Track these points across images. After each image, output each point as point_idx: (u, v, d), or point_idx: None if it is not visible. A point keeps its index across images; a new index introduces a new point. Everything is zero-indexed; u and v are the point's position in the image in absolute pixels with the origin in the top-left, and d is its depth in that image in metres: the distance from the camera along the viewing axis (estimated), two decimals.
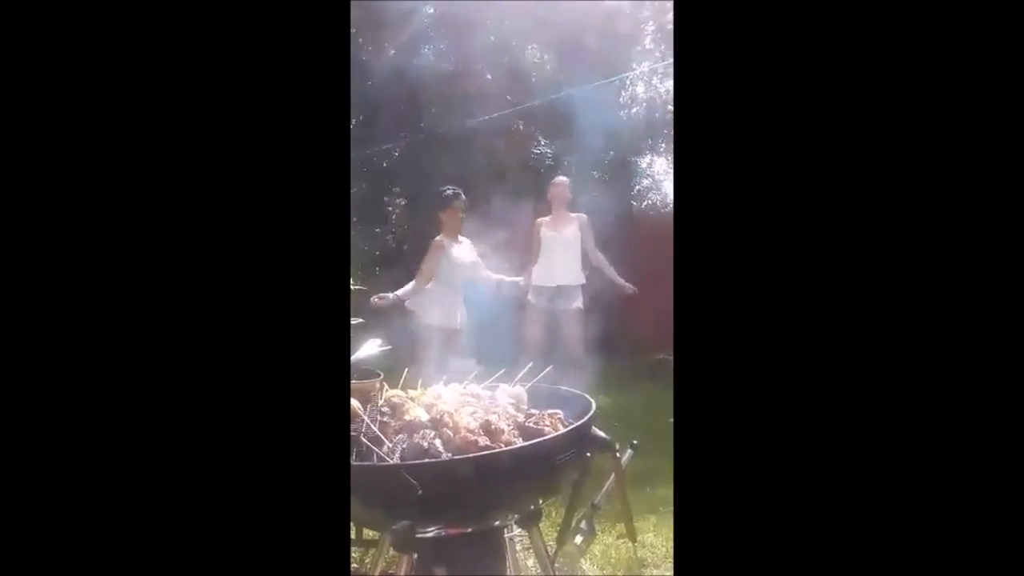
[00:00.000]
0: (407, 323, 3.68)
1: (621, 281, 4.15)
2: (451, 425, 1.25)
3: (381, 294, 3.60)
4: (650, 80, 9.37)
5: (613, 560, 2.35)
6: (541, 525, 1.40)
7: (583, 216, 4.24)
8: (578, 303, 4.12)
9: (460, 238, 3.85)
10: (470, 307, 3.85)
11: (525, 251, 4.32)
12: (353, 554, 2.29)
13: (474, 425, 1.26)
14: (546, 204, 4.32)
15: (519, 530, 1.57)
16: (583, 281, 4.16)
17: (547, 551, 1.43)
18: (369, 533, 2.22)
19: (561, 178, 4.39)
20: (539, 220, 4.29)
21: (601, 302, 4.36)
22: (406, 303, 3.71)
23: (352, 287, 1.31)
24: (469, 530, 1.25)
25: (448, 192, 3.82)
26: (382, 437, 1.23)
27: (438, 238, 3.79)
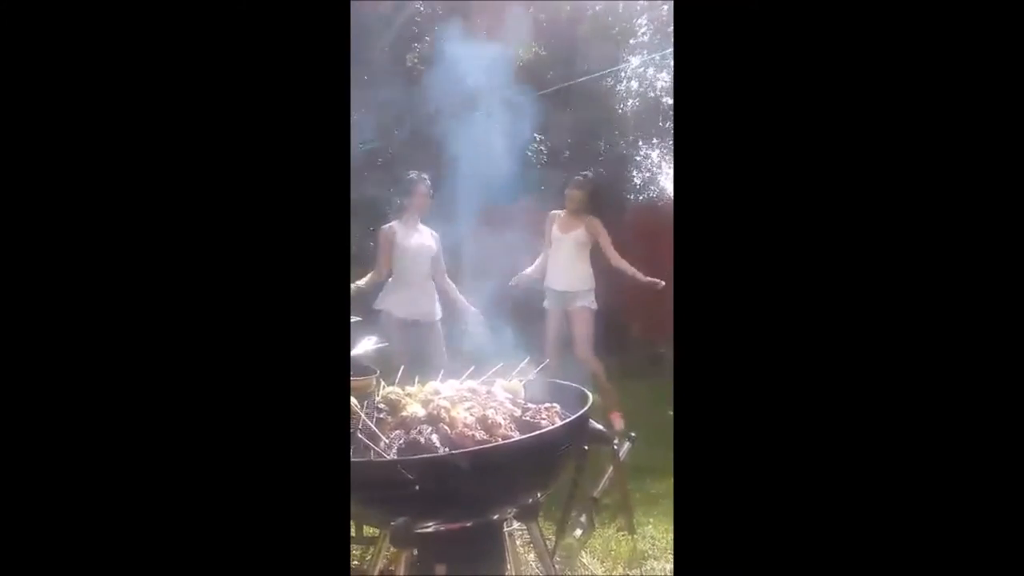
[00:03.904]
0: (382, 323, 3.53)
1: (647, 279, 3.90)
2: (448, 420, 1.25)
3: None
4: (644, 73, 9.38)
5: (613, 553, 2.35)
6: (540, 519, 1.40)
7: (593, 219, 4.04)
8: (587, 302, 3.99)
9: (420, 227, 3.65)
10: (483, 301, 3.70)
11: (529, 247, 4.17)
12: (353, 551, 2.29)
13: (471, 420, 1.26)
14: (532, 199, 4.21)
15: (518, 524, 1.57)
16: (592, 285, 4.00)
17: (546, 545, 1.43)
18: (369, 530, 2.22)
19: (582, 176, 4.16)
20: (553, 213, 4.11)
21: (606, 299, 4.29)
22: (374, 304, 3.56)
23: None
24: (468, 525, 1.25)
25: (411, 176, 3.64)
26: (379, 434, 1.23)
27: (387, 226, 3.62)
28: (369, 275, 3.57)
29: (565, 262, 4.01)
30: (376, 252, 3.67)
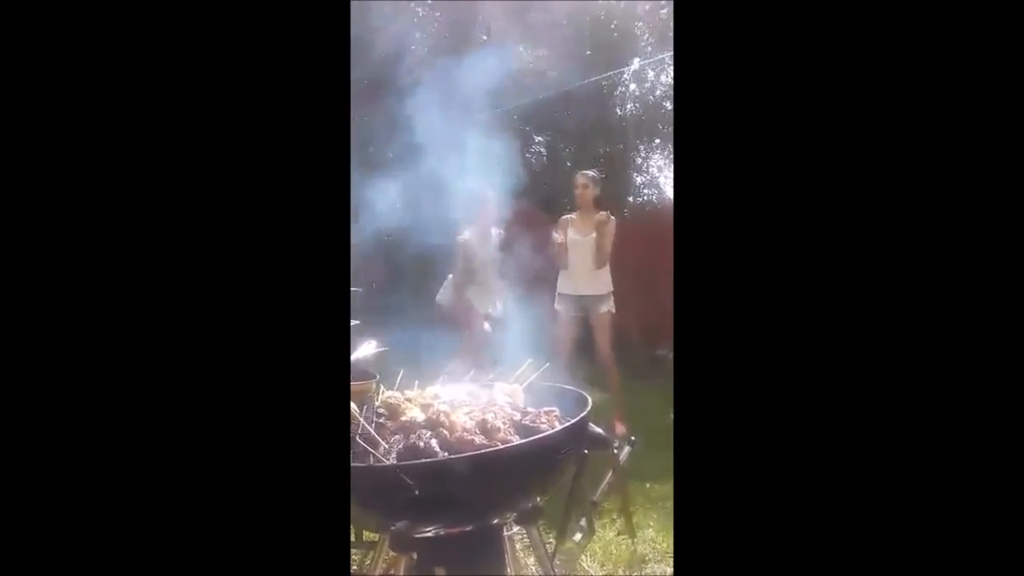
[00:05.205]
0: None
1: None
2: (447, 425, 1.25)
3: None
4: (644, 76, 9.38)
5: (613, 557, 2.35)
6: (540, 523, 1.40)
7: (602, 214, 3.78)
8: (607, 307, 3.85)
9: (492, 230, 3.68)
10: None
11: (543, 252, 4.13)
12: (353, 556, 2.28)
13: (470, 424, 1.26)
14: (532, 205, 4.15)
15: (518, 528, 1.57)
16: (611, 289, 3.84)
17: (546, 549, 1.43)
18: (369, 535, 2.22)
19: (585, 174, 3.99)
20: (565, 218, 3.95)
21: None
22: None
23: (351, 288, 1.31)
24: (468, 529, 1.25)
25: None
26: (378, 439, 1.23)
27: (463, 235, 3.67)
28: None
29: (584, 267, 3.81)
30: (463, 259, 3.71)
